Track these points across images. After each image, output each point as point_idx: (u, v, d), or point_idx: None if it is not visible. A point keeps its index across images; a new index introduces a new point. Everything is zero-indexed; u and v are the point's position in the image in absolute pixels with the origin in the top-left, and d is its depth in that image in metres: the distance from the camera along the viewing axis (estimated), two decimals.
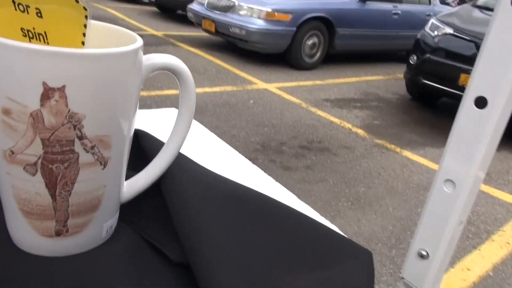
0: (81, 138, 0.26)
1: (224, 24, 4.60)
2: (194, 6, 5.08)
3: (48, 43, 0.25)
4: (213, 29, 4.75)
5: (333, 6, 4.84)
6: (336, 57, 5.22)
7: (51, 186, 0.26)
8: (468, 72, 3.51)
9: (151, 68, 0.29)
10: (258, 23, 4.43)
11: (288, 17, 4.47)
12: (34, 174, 0.26)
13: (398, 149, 3.27)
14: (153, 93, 3.49)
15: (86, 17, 0.23)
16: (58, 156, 0.25)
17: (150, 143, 0.38)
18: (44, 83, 0.23)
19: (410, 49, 4.11)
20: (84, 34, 0.24)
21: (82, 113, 0.25)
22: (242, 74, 4.33)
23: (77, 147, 0.26)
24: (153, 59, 0.30)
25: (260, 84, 4.13)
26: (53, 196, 0.27)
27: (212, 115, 3.24)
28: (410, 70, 4.03)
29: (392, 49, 5.80)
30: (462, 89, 3.58)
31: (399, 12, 5.41)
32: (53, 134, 0.25)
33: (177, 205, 0.33)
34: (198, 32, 5.49)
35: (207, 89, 3.76)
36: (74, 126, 0.25)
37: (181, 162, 0.36)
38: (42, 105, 0.24)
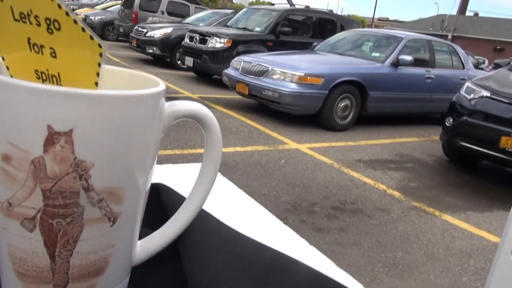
0: (87, 189, 0.22)
1: (257, 87, 4.73)
2: (229, 71, 5.29)
3: (61, 85, 0.23)
4: (246, 92, 4.89)
5: (365, 71, 4.92)
6: (368, 119, 5.19)
7: (50, 244, 0.23)
8: (509, 134, 3.37)
9: (174, 115, 0.27)
10: (291, 86, 4.53)
11: (320, 81, 4.55)
12: (32, 230, 0.23)
13: (437, 213, 3.09)
14: (186, 151, 3.53)
15: (100, 55, 0.21)
16: (60, 210, 0.22)
17: (171, 198, 0.35)
18: (49, 127, 0.21)
19: (446, 112, 4.04)
20: (98, 74, 0.22)
21: (90, 161, 0.22)
22: (274, 134, 4.35)
23: (83, 200, 0.23)
24: (176, 105, 0.27)
25: (292, 144, 4.13)
26: (51, 256, 0.23)
27: (242, 174, 3.22)
28: (446, 132, 3.93)
29: (426, 112, 5.74)
30: (504, 151, 3.42)
31: (432, 76, 5.42)
32: (56, 184, 0.22)
33: (196, 272, 0.28)
34: (232, 95, 5.67)
35: (239, 149, 3.78)
36: (80, 176, 0.22)
37: (204, 221, 0.32)
38: (45, 151, 0.21)
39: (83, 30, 0.21)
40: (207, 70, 6.57)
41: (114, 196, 0.24)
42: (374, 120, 5.32)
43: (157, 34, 7.86)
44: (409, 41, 5.35)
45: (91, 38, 0.21)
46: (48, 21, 0.21)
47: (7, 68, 0.25)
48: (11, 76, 0.25)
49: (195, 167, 0.59)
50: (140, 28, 8.25)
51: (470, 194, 3.53)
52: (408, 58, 5.03)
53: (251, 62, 4.99)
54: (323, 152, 4.04)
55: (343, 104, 4.77)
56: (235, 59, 5.38)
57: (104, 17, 12.29)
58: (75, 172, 0.22)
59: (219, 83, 6.15)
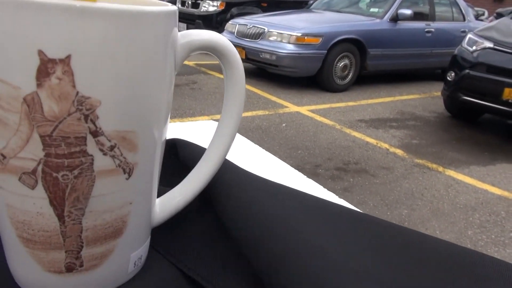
0: (95, 134, 0.18)
1: (254, 51, 4.62)
2: (224, 35, 5.14)
3: None
4: (243, 56, 4.77)
5: (364, 28, 4.78)
6: (368, 78, 5.11)
7: (57, 202, 0.19)
8: None
9: (188, 46, 0.22)
10: (288, 48, 4.42)
11: (318, 40, 4.44)
12: (33, 187, 0.19)
13: (440, 169, 3.08)
14: (186, 120, 3.48)
15: None
16: (65, 161, 0.18)
17: (190, 152, 0.31)
18: (40, 52, 0.16)
19: (447, 66, 3.96)
20: None
21: (96, 98, 0.18)
22: (273, 98, 4.28)
23: (91, 147, 0.18)
24: (190, 35, 0.23)
25: (292, 108, 4.07)
26: (60, 217, 0.20)
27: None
28: (448, 87, 3.86)
29: (426, 68, 5.64)
30: (506, 104, 3.38)
31: (433, 30, 5.28)
32: (57, 127, 0.17)
33: (241, 223, 0.25)
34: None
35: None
36: (86, 117, 0.18)
37: (231, 169, 0.28)
38: (39, 85, 0.17)
39: None
40: None
41: (127, 142, 0.20)
42: (374, 79, 5.23)
43: None
44: None
45: None
46: None
47: None
48: None
49: (204, 125, 0.54)
50: None
51: (473, 149, 3.52)
52: (408, 12, 4.88)
53: (246, 25, 4.85)
54: (324, 113, 3.99)
55: (342, 63, 4.67)
56: (230, 22, 5.22)
57: None
58: (78, 111, 0.17)
59: None
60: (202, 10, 6.22)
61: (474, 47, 3.69)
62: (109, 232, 0.21)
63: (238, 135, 0.55)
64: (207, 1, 6.19)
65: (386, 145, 3.41)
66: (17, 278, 0.22)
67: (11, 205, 0.20)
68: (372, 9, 5.24)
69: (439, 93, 4.29)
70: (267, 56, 4.51)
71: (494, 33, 3.71)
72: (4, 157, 0.18)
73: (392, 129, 3.81)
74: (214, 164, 0.26)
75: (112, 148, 0.19)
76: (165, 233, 0.27)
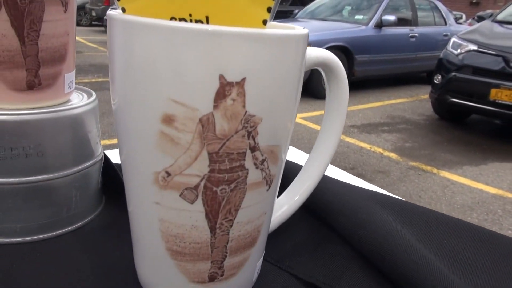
0: (253, 149, 0.20)
1: None
2: None
3: None
4: None
5: (350, 35, 4.87)
6: (357, 84, 5.19)
7: (212, 215, 0.20)
8: (498, 86, 3.41)
9: (308, 63, 0.24)
10: None
11: None
12: (193, 201, 0.20)
13: (435, 170, 3.14)
14: None
15: None
16: (226, 175, 0.20)
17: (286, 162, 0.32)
18: (221, 77, 0.18)
19: (434, 69, 4.06)
20: (269, 9, 0.19)
21: (259, 116, 0.19)
22: None
23: (248, 161, 0.20)
24: (310, 53, 0.24)
25: None
26: (212, 229, 0.21)
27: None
28: (435, 90, 3.95)
29: (412, 72, 5.77)
30: (494, 104, 3.47)
31: (416, 34, 5.41)
32: (224, 145, 0.19)
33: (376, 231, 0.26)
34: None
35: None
36: (249, 134, 0.19)
37: (329, 180, 0.30)
38: (215, 106, 0.18)
39: None
40: None
41: (274, 155, 0.21)
42: (362, 85, 5.31)
43: None
44: (390, 0, 5.30)
45: None
46: None
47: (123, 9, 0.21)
48: None
49: None
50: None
51: (464, 149, 3.59)
52: (392, 18, 5.00)
53: None
54: (316, 120, 4.03)
55: None
56: None
57: None
58: (244, 129, 0.19)
59: None
60: None
61: (459, 50, 3.79)
62: (248, 242, 0.22)
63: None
64: None
65: (380, 149, 3.46)
66: None
67: (166, 219, 0.21)
68: (356, 17, 5.35)
69: (426, 96, 4.38)
70: None
71: (477, 36, 3.83)
72: (169, 174, 0.19)
73: (384, 133, 3.87)
74: (318, 173, 0.28)
75: (263, 161, 0.20)
76: (269, 242, 0.28)
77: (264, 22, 0.19)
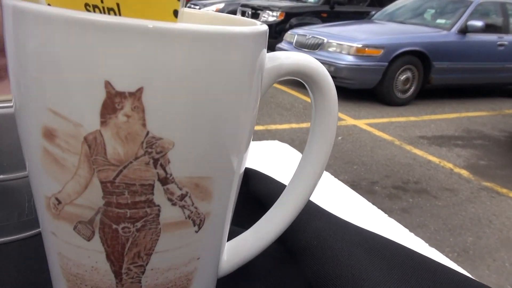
0: (165, 181, 0.15)
1: None
2: (282, 45, 5.15)
3: None
4: None
5: (429, 40, 4.57)
6: (431, 92, 4.85)
7: (114, 258, 0.16)
8: None
9: (276, 72, 0.18)
10: (347, 59, 4.32)
11: (379, 52, 4.30)
12: (89, 238, 0.16)
13: (511, 194, 2.83)
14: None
15: None
16: (128, 211, 0.15)
17: (264, 186, 0.27)
18: (107, 84, 0.13)
19: None
20: None
21: (169, 139, 0.14)
22: None
23: (158, 196, 0.15)
24: (279, 58, 0.19)
25: (349, 120, 3.95)
26: (117, 274, 0.16)
27: (299, 151, 3.12)
28: None
29: (496, 83, 5.27)
30: None
31: (506, 43, 4.93)
32: (120, 173, 0.14)
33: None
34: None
35: (294, 125, 3.68)
36: (155, 161, 0.14)
37: (313, 214, 0.24)
38: (103, 123, 0.13)
39: None
40: None
41: (201, 189, 0.16)
42: (437, 93, 4.96)
43: (209, 10, 7.81)
44: (479, 4, 4.88)
45: None
46: None
47: (49, 5, 0.17)
48: None
49: (268, 146, 0.51)
50: (192, 6, 8.26)
51: None
52: (479, 23, 4.59)
53: (306, 35, 4.81)
54: (382, 128, 3.83)
55: (404, 76, 4.48)
56: (289, 32, 5.21)
57: None
58: (147, 155, 0.14)
59: None
60: (261, 20, 6.27)
61: None
62: None
63: (292, 148, 0.50)
64: (267, 11, 6.25)
65: (450, 165, 3.19)
66: None
67: (64, 254, 0.17)
68: (438, 20, 5.00)
69: (511, 111, 3.97)
70: (325, 67, 4.43)
71: None
72: (59, 202, 0.15)
73: (457, 147, 3.57)
74: (296, 206, 0.22)
75: (183, 197, 0.16)
76: (227, 284, 0.23)
77: (175, 13, 0.14)
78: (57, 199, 0.15)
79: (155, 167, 0.14)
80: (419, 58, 4.48)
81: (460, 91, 5.14)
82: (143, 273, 0.17)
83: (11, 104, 0.24)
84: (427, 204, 2.59)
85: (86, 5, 0.16)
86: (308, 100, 4.45)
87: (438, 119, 4.29)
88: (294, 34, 5.01)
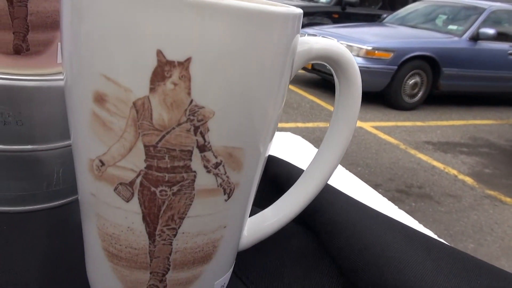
0: (203, 148, 0.16)
1: None
2: None
3: None
4: (309, 66, 4.73)
5: (439, 45, 4.55)
6: (439, 98, 4.84)
7: (150, 220, 0.17)
8: None
9: (307, 55, 0.20)
10: (357, 61, 4.28)
11: (389, 55, 4.28)
12: (128, 199, 0.17)
13: None
14: None
15: None
16: (166, 175, 0.16)
17: (283, 170, 0.28)
18: (159, 53, 0.14)
19: None
20: None
21: (210, 108, 0.15)
22: None
23: (196, 162, 0.16)
24: (309, 42, 0.20)
25: None
26: (151, 235, 0.18)
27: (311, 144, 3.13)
28: None
29: (506, 92, 5.24)
30: None
31: None
32: (163, 138, 0.15)
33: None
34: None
35: (300, 124, 3.68)
36: (196, 129, 0.15)
37: (333, 194, 0.25)
38: (152, 89, 0.15)
39: None
40: None
41: (233, 159, 0.17)
42: (445, 99, 4.94)
43: None
44: (492, 12, 4.85)
45: None
46: None
47: None
48: None
49: (280, 137, 0.52)
50: None
51: None
52: (491, 31, 4.56)
53: (316, 35, 4.81)
54: (388, 131, 3.83)
55: (412, 81, 4.47)
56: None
57: None
58: (189, 122, 0.15)
59: None
60: None
61: None
62: (198, 257, 0.19)
63: (304, 140, 0.51)
64: None
65: (454, 171, 3.19)
66: None
67: (102, 215, 0.18)
68: (450, 27, 4.98)
69: None
70: None
71: None
72: (103, 164, 0.16)
73: (462, 154, 3.57)
74: (315, 186, 0.23)
75: (217, 165, 0.17)
76: (246, 257, 0.24)
77: None
78: (101, 161, 0.17)
79: (195, 134, 0.16)
80: (428, 63, 4.47)
81: (468, 98, 5.12)
82: (175, 235, 0.18)
83: (44, 78, 0.26)
84: (430, 209, 2.59)
85: None
86: (315, 100, 4.45)
87: (445, 125, 4.28)
88: (304, 34, 5.01)
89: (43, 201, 0.28)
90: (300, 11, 0.17)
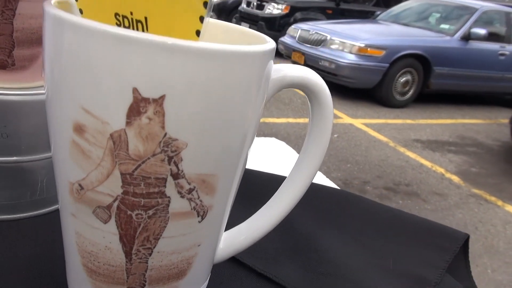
0: (176, 176, 0.17)
1: (313, 57, 4.57)
2: (285, 39, 5.14)
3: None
4: (302, 62, 4.74)
5: (431, 44, 4.58)
6: (429, 97, 4.88)
7: (127, 240, 0.18)
8: None
9: (280, 83, 0.21)
10: (349, 58, 4.32)
11: (381, 53, 4.31)
12: (106, 221, 0.18)
13: (499, 202, 2.88)
14: None
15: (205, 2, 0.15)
16: (142, 200, 0.17)
17: (259, 182, 0.29)
18: (135, 91, 0.15)
19: None
20: (201, 19, 0.16)
21: (183, 140, 0.16)
22: None
23: (170, 189, 0.17)
24: (284, 70, 0.21)
25: (346, 119, 3.98)
26: (127, 254, 0.19)
27: (294, 146, 3.14)
28: None
29: (495, 92, 5.30)
30: None
31: (507, 52, 4.95)
32: (139, 167, 0.16)
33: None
34: (287, 63, 5.51)
35: (291, 120, 3.70)
36: (170, 159, 0.16)
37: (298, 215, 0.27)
38: (128, 123, 0.16)
39: None
40: None
41: (206, 185, 0.18)
42: (435, 98, 4.99)
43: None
44: (483, 12, 4.88)
45: None
46: None
47: (81, 11, 0.19)
48: None
49: (265, 143, 0.53)
50: None
51: None
52: (482, 31, 4.60)
53: (309, 31, 4.80)
54: (378, 128, 3.86)
55: (403, 79, 4.50)
56: (292, 26, 5.20)
57: None
58: (163, 153, 0.16)
59: None
60: (266, 12, 6.25)
61: None
62: (173, 273, 0.20)
63: (288, 147, 0.53)
64: (272, 3, 6.22)
65: (441, 170, 3.24)
66: None
67: (81, 234, 0.19)
68: (442, 26, 5.01)
69: (506, 121, 4.01)
70: (326, 64, 4.44)
71: None
72: (82, 188, 0.17)
73: (450, 153, 3.61)
74: (286, 206, 0.24)
75: (190, 191, 0.18)
76: (221, 271, 0.26)
77: (197, 33, 0.16)
78: (80, 185, 0.17)
79: (169, 164, 0.17)
80: (420, 61, 4.50)
81: (458, 97, 5.17)
82: (150, 254, 0.19)
83: (29, 92, 0.26)
84: (416, 207, 2.62)
85: (116, 14, 0.18)
86: None
87: (434, 123, 4.32)
88: (297, 29, 5.00)
89: (27, 209, 0.29)
90: (272, 46, 0.18)
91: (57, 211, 0.30)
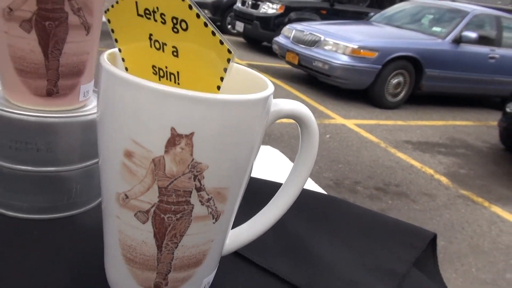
0: (199, 189, 0.23)
1: (307, 58, 4.62)
2: (279, 39, 5.19)
3: (179, 84, 0.23)
4: (296, 62, 4.80)
5: (423, 46, 4.65)
6: (421, 98, 4.97)
7: (159, 236, 0.24)
8: None
9: (277, 114, 0.27)
10: (342, 59, 4.38)
11: (374, 55, 4.37)
12: (144, 222, 0.24)
13: (486, 204, 2.96)
14: None
15: (228, 60, 0.21)
16: (173, 207, 0.23)
17: (257, 186, 0.35)
18: (172, 129, 0.21)
19: (508, 96, 3.79)
20: (222, 79, 0.22)
21: (205, 164, 0.22)
22: (320, 108, 4.28)
23: (194, 198, 0.23)
24: (280, 104, 0.27)
25: (338, 119, 4.05)
26: (159, 247, 0.24)
27: (286, 146, 3.21)
28: (506, 119, 3.70)
29: (485, 95, 5.40)
30: None
31: (497, 56, 5.05)
32: (172, 183, 0.22)
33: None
34: (281, 63, 5.58)
35: (284, 120, 3.75)
36: (195, 177, 0.22)
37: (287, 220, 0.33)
38: (166, 151, 0.21)
39: (213, 34, 0.20)
40: (257, 37, 6.46)
41: (221, 196, 0.24)
42: (427, 100, 5.08)
43: None
44: (475, 16, 4.97)
45: (221, 43, 0.20)
46: (175, 20, 0.21)
47: (123, 59, 0.25)
48: (126, 68, 0.25)
49: (261, 151, 0.59)
50: None
51: None
52: (473, 34, 4.69)
53: (303, 31, 4.86)
54: (370, 129, 3.94)
55: (395, 80, 4.58)
56: (287, 26, 5.25)
57: None
58: (190, 172, 0.22)
59: (268, 51, 6.05)
60: (261, 11, 6.29)
61: None
62: (192, 262, 0.26)
63: (282, 155, 0.59)
64: (267, 3, 6.26)
65: (431, 171, 3.32)
66: (113, 287, 0.28)
67: (123, 232, 0.25)
68: (434, 28, 5.08)
69: (495, 123, 4.10)
70: (320, 64, 4.50)
71: None
72: (127, 197, 0.23)
73: (439, 154, 3.70)
74: (280, 210, 0.30)
75: (208, 200, 0.24)
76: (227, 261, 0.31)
77: (218, 88, 0.22)
78: (126, 195, 0.23)
79: (194, 180, 0.22)
80: (412, 63, 4.57)
81: (449, 99, 5.27)
82: (176, 247, 0.25)
83: (68, 115, 0.32)
84: (405, 207, 2.70)
85: (154, 66, 0.24)
86: (301, 96, 4.52)
87: (425, 125, 4.41)
88: (292, 29, 5.05)
89: (64, 210, 0.34)
90: (271, 90, 0.24)
91: (88, 211, 0.36)
